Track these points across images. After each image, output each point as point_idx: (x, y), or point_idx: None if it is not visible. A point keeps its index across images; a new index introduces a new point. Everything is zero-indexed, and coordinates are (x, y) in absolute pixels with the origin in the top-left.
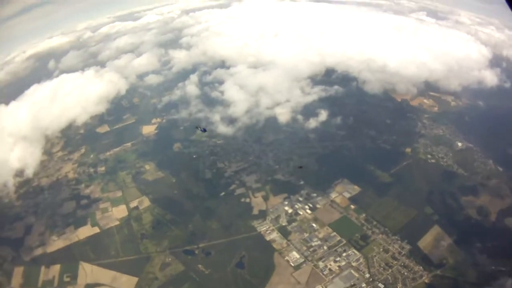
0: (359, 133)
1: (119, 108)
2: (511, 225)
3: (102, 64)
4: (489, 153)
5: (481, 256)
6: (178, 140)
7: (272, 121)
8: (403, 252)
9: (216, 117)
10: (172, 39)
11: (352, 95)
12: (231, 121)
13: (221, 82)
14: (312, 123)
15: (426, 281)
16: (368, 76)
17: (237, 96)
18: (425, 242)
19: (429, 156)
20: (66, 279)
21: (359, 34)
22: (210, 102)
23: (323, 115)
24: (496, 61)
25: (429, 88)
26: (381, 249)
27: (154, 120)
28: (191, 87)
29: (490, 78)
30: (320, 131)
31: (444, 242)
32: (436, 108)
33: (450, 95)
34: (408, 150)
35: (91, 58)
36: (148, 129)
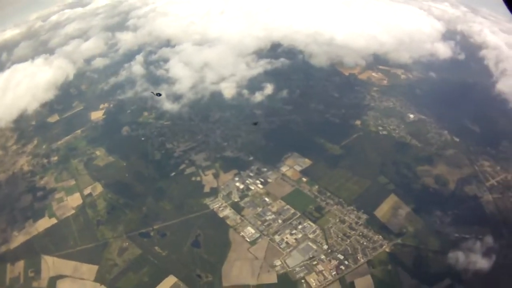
0: (306, 108)
1: (67, 96)
2: (471, 193)
3: (51, 52)
4: (443, 124)
5: (442, 224)
6: (126, 124)
7: (218, 96)
8: (360, 222)
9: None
10: (119, 22)
11: (298, 69)
12: (176, 97)
13: (166, 61)
14: (258, 97)
15: (387, 250)
16: (315, 50)
17: (182, 73)
18: (382, 211)
19: (380, 128)
20: (31, 274)
21: (306, 8)
22: (155, 80)
23: (269, 88)
24: (450, 35)
25: (378, 61)
26: (337, 220)
27: (101, 106)
28: (136, 67)
29: (443, 50)
30: (266, 107)
31: (402, 210)
32: (385, 82)
33: (400, 68)
34: (357, 122)
35: (42, 47)
36: (97, 115)
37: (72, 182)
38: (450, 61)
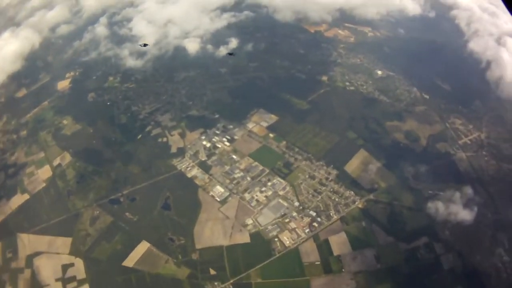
0: (272, 64)
1: (34, 68)
2: (444, 150)
3: (18, 25)
4: (413, 82)
5: (415, 180)
6: (92, 90)
7: (182, 52)
8: (330, 178)
9: (125, 52)
10: None
11: (262, 25)
12: (140, 54)
13: (130, 20)
14: (223, 51)
15: (360, 206)
16: (280, 4)
17: (145, 30)
18: (353, 166)
19: (347, 83)
20: (9, 255)
21: None
22: (119, 40)
23: (234, 43)
24: None
25: (344, 18)
26: (307, 176)
27: (68, 75)
28: (100, 29)
29: (412, 7)
30: (231, 65)
31: (372, 166)
32: (352, 39)
33: (367, 26)
34: (324, 78)
35: (9, 22)
36: (63, 84)
37: (42, 155)
38: (419, 18)
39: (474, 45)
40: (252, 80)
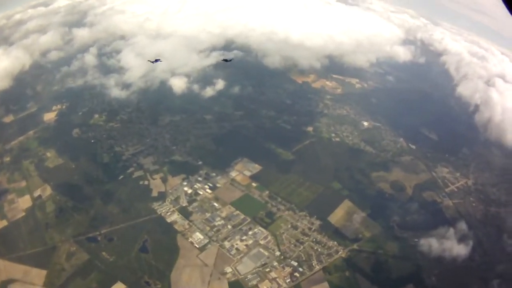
0: (257, 114)
1: (23, 96)
2: (430, 199)
3: (11, 44)
4: (399, 132)
5: (401, 229)
6: (77, 125)
7: (167, 90)
8: (314, 228)
9: (111, 82)
10: (77, 20)
11: (250, 70)
12: (125, 86)
13: (119, 52)
14: (209, 91)
15: (343, 255)
16: (269, 48)
17: (133, 62)
18: (337, 217)
19: (333, 135)
20: None
21: (263, 8)
22: (106, 70)
23: (220, 84)
24: (410, 42)
25: (333, 67)
26: (289, 226)
27: (54, 107)
28: (89, 58)
29: (403, 53)
30: (217, 112)
31: (357, 216)
32: (339, 90)
33: (354, 77)
34: (309, 129)
35: (3, 41)
36: (49, 116)
37: (23, 184)
38: (410, 64)
39: (463, 89)
40: (237, 128)
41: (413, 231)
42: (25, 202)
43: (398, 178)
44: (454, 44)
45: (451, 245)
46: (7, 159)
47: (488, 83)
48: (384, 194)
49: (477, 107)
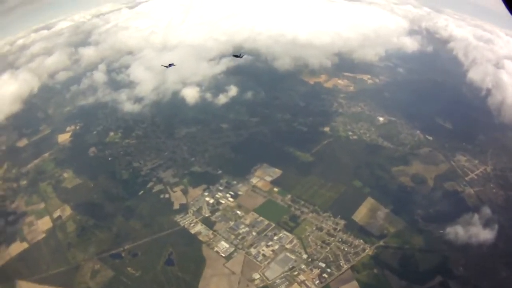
0: (273, 118)
1: (35, 119)
2: (452, 189)
3: (17, 68)
4: (415, 124)
5: (425, 222)
6: (92, 144)
7: (180, 100)
8: (339, 228)
9: (122, 97)
10: (82, 39)
11: (262, 74)
12: (137, 99)
13: (127, 67)
14: (222, 99)
15: (370, 253)
16: (278, 51)
17: (143, 76)
18: (360, 215)
19: (350, 133)
20: None
21: (268, 11)
22: (117, 85)
23: (233, 90)
24: (415, 32)
25: (343, 63)
26: (314, 228)
27: (68, 128)
28: (98, 75)
29: (411, 44)
30: (232, 120)
31: (380, 212)
32: (352, 88)
33: (366, 73)
34: (326, 129)
35: (9, 66)
36: (64, 137)
37: (42, 206)
38: (418, 54)
39: (473, 74)
40: (254, 135)
41: (437, 222)
42: (44, 223)
43: (418, 170)
44: (459, 30)
45: (476, 232)
46: (23, 182)
47: (498, 65)
48: (406, 188)
49: (488, 91)
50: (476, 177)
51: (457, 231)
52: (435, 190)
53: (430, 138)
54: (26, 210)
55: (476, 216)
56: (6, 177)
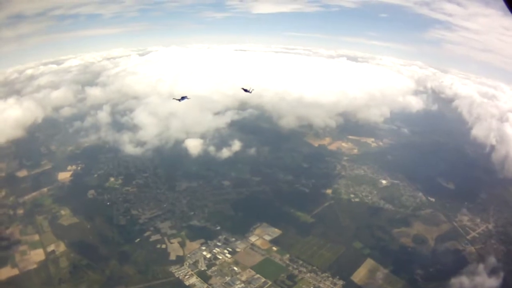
0: (275, 178)
1: (37, 153)
2: (453, 248)
3: (23, 96)
4: (417, 186)
5: (425, 281)
6: (92, 187)
7: (183, 150)
8: None
9: (124, 138)
10: (89, 79)
11: (266, 131)
12: (139, 143)
13: (132, 111)
14: (225, 153)
15: None
16: (283, 109)
17: (147, 120)
18: (359, 275)
19: (352, 195)
20: None
21: (275, 68)
22: (120, 127)
23: (237, 145)
24: (421, 91)
25: (348, 124)
26: (312, 287)
27: (69, 167)
28: (102, 115)
29: (416, 102)
30: (234, 177)
31: (380, 273)
32: (355, 151)
33: (370, 137)
34: (328, 191)
35: (15, 93)
36: (64, 175)
37: (36, 238)
38: (423, 112)
39: (477, 130)
40: (255, 194)
41: (436, 281)
42: (37, 255)
43: (419, 231)
44: (464, 88)
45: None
46: (20, 211)
47: (502, 119)
48: (406, 249)
49: (492, 147)
50: (477, 235)
51: None
52: (436, 250)
53: (432, 199)
54: (20, 239)
55: (475, 272)
56: (2, 203)
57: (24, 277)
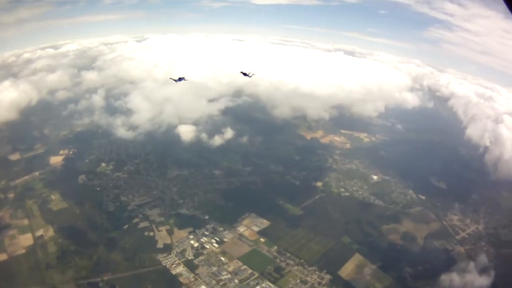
0: (266, 169)
1: (30, 136)
2: (441, 247)
3: (19, 79)
4: (408, 183)
5: (413, 279)
6: (83, 172)
7: (175, 137)
8: (323, 282)
9: (117, 122)
10: (86, 63)
11: (259, 120)
12: (132, 127)
13: (126, 95)
14: (218, 140)
15: None
16: (278, 99)
17: (141, 105)
18: (347, 270)
19: (342, 189)
20: None
21: (271, 61)
22: (113, 111)
23: (229, 133)
24: (417, 88)
25: (341, 117)
26: (298, 281)
27: (61, 152)
28: (97, 98)
29: (412, 99)
30: (225, 167)
31: (368, 268)
32: (348, 145)
33: (363, 132)
34: (319, 184)
35: (11, 76)
36: (56, 160)
37: (25, 222)
38: (419, 109)
39: (472, 131)
40: (246, 184)
41: (425, 279)
42: (26, 240)
43: (409, 229)
44: (461, 87)
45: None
46: (11, 195)
47: (497, 121)
48: (395, 246)
49: (486, 148)
50: (467, 236)
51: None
52: (425, 248)
53: (423, 197)
54: (10, 223)
55: (464, 272)
56: None
57: (12, 262)
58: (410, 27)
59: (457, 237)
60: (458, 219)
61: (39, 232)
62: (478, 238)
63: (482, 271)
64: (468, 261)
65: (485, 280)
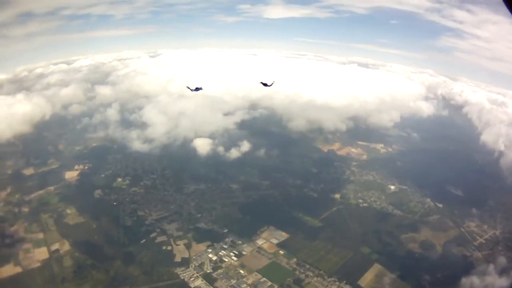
0: (283, 183)
1: (44, 152)
2: (460, 254)
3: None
4: (426, 193)
5: (431, 287)
6: (99, 187)
7: (192, 150)
8: None
9: (132, 135)
10: (99, 78)
11: (275, 134)
12: (147, 140)
13: (141, 108)
14: (234, 153)
15: None
16: (294, 111)
17: (156, 119)
18: (366, 280)
19: (360, 200)
20: None
21: (286, 74)
22: (128, 124)
23: (246, 146)
24: (431, 98)
25: (357, 128)
26: None
27: (76, 167)
28: (111, 112)
29: (426, 108)
30: (243, 181)
31: (387, 278)
32: (365, 156)
33: (379, 142)
34: (337, 196)
35: (24, 90)
36: (71, 175)
37: (40, 236)
38: (434, 117)
39: (486, 136)
40: (263, 197)
41: (444, 286)
42: (41, 253)
43: (427, 237)
44: (474, 95)
45: None
46: (25, 209)
47: (510, 125)
48: (414, 254)
49: (501, 153)
50: (484, 241)
51: None
52: (443, 255)
53: (440, 205)
54: (25, 236)
55: (483, 277)
56: (8, 201)
57: (27, 275)
58: (421, 37)
59: (475, 243)
60: (475, 225)
61: (55, 246)
62: (495, 243)
63: (501, 273)
64: (487, 265)
65: (504, 281)
